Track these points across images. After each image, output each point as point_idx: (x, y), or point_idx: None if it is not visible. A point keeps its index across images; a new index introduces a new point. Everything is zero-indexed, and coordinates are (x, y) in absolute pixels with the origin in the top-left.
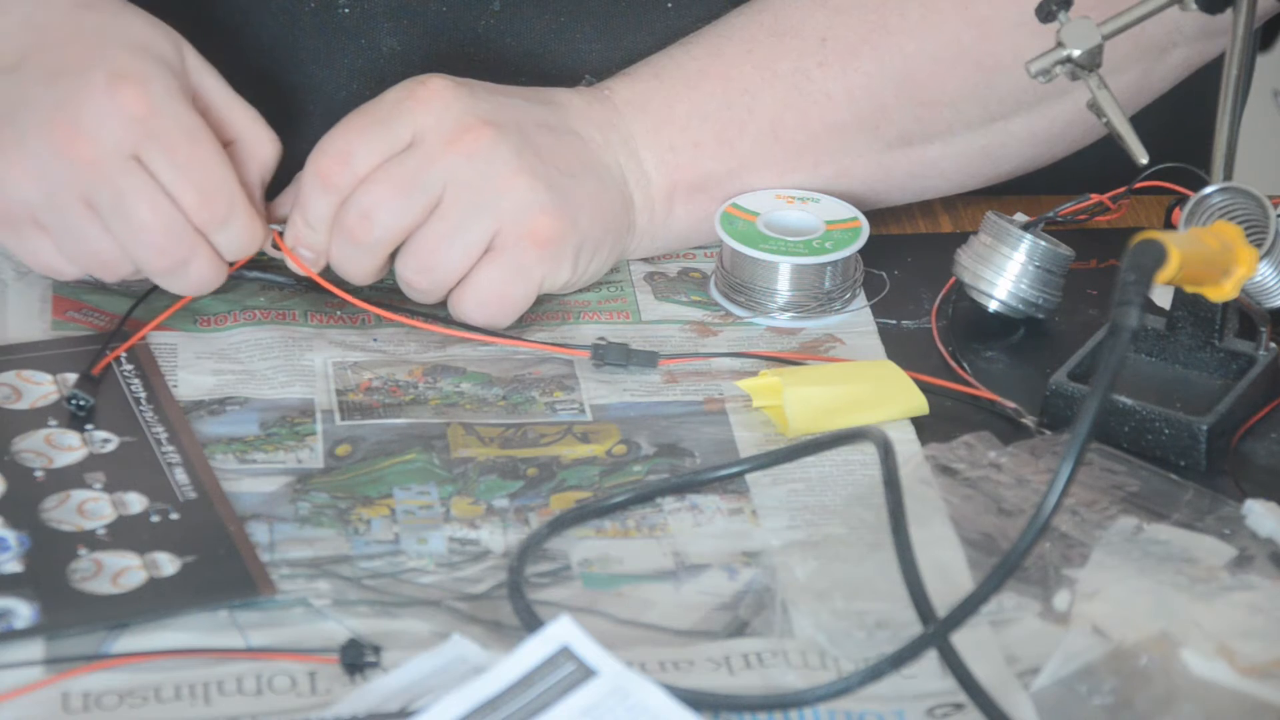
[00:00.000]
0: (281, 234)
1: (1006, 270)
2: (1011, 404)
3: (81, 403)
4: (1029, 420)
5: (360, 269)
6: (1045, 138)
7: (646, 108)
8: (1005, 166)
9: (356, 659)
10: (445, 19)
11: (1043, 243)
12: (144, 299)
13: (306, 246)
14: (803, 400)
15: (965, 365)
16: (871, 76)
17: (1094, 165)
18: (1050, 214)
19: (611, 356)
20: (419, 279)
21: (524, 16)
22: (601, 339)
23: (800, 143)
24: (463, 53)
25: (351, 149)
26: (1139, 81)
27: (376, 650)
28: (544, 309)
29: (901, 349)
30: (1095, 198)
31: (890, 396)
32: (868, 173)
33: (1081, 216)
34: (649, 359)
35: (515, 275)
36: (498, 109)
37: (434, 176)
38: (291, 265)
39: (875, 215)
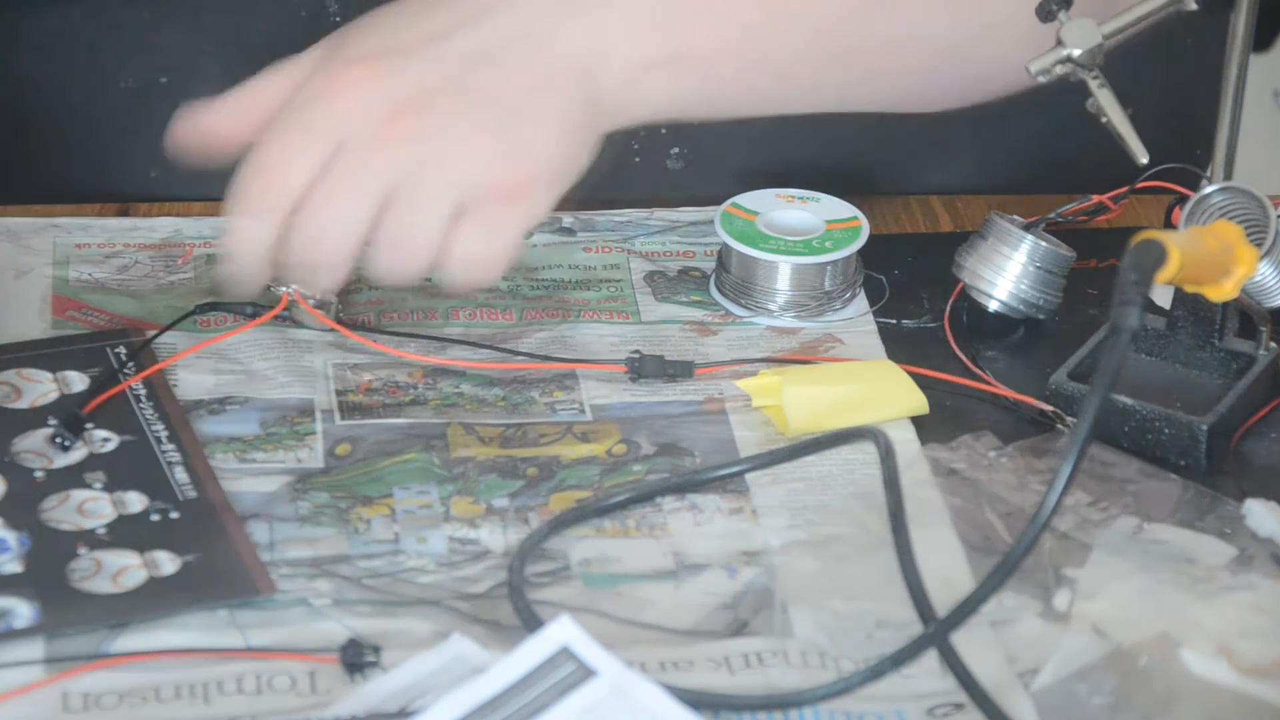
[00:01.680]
0: (297, 292)
1: (1007, 271)
2: (1050, 407)
3: (67, 443)
4: (1068, 424)
5: (326, 283)
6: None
7: None
8: (978, 66)
9: (356, 659)
10: None
11: (1043, 244)
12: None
13: (250, 276)
14: (802, 400)
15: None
16: None
17: (1094, 165)
18: (1052, 214)
19: (648, 369)
20: (394, 271)
21: None
22: (636, 352)
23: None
24: None
25: (276, 166)
26: None
27: (376, 650)
28: (543, 307)
29: (902, 348)
30: (1096, 198)
31: (890, 396)
32: (852, 35)
33: (1082, 218)
34: (685, 369)
35: (493, 234)
36: (423, 71)
37: (375, 174)
38: (315, 320)
39: (875, 215)
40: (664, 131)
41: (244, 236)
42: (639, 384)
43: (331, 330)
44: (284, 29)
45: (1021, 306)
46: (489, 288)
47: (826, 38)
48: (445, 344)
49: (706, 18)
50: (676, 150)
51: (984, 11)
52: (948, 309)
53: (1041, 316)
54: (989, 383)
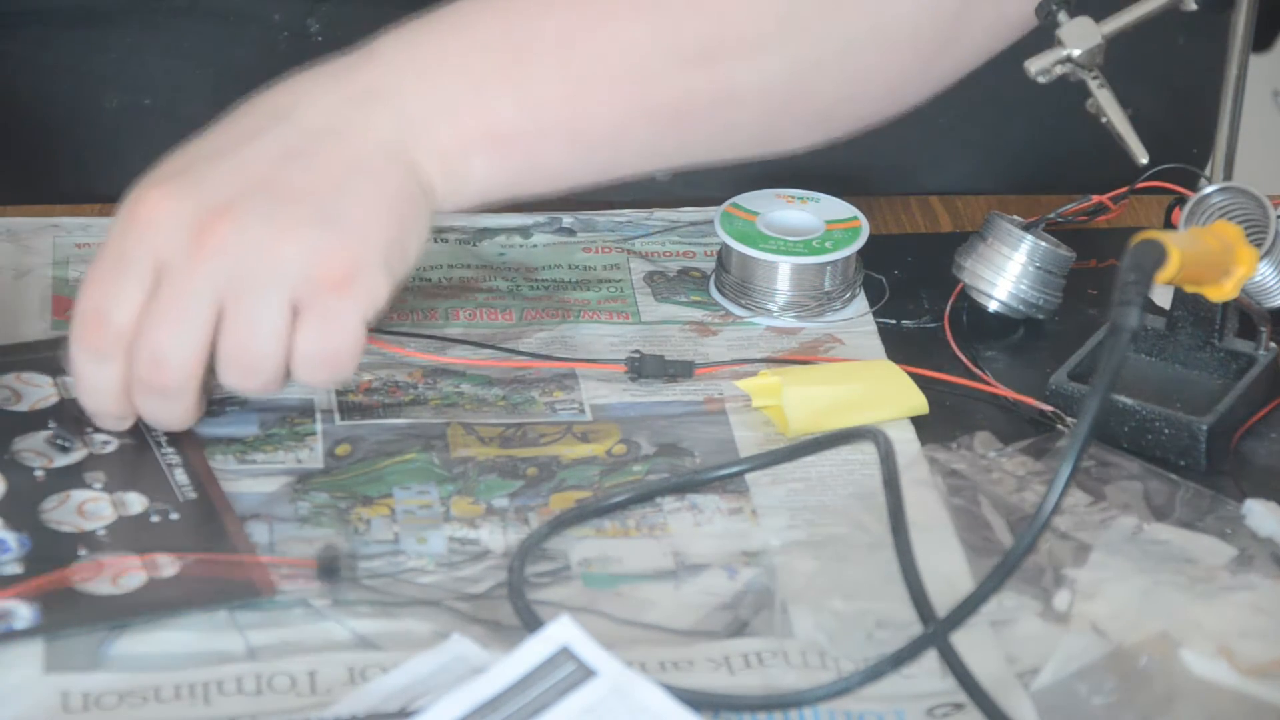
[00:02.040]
0: None
1: (1007, 271)
2: (1049, 407)
3: (66, 444)
4: (1068, 424)
5: (179, 414)
6: (861, 74)
7: (415, 55)
8: (818, 103)
9: (333, 567)
10: None
11: (1043, 244)
12: None
13: (109, 415)
14: (802, 400)
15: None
16: None
17: (1094, 165)
18: (1052, 215)
19: (648, 369)
20: (248, 384)
21: None
22: (636, 352)
23: (593, 62)
24: None
25: (101, 305)
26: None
27: (351, 558)
28: (543, 307)
29: (902, 349)
30: (1096, 199)
31: (890, 396)
32: (670, 97)
33: (1082, 218)
34: (685, 369)
35: (332, 327)
36: (225, 180)
37: (200, 292)
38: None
39: (875, 215)
40: None
41: (90, 381)
42: (639, 384)
43: None
44: (266, 51)
45: (1021, 307)
46: (345, 383)
47: (642, 103)
48: (446, 344)
49: (512, 96)
50: None
51: (816, 47)
52: (948, 309)
53: (1041, 317)
54: (989, 383)
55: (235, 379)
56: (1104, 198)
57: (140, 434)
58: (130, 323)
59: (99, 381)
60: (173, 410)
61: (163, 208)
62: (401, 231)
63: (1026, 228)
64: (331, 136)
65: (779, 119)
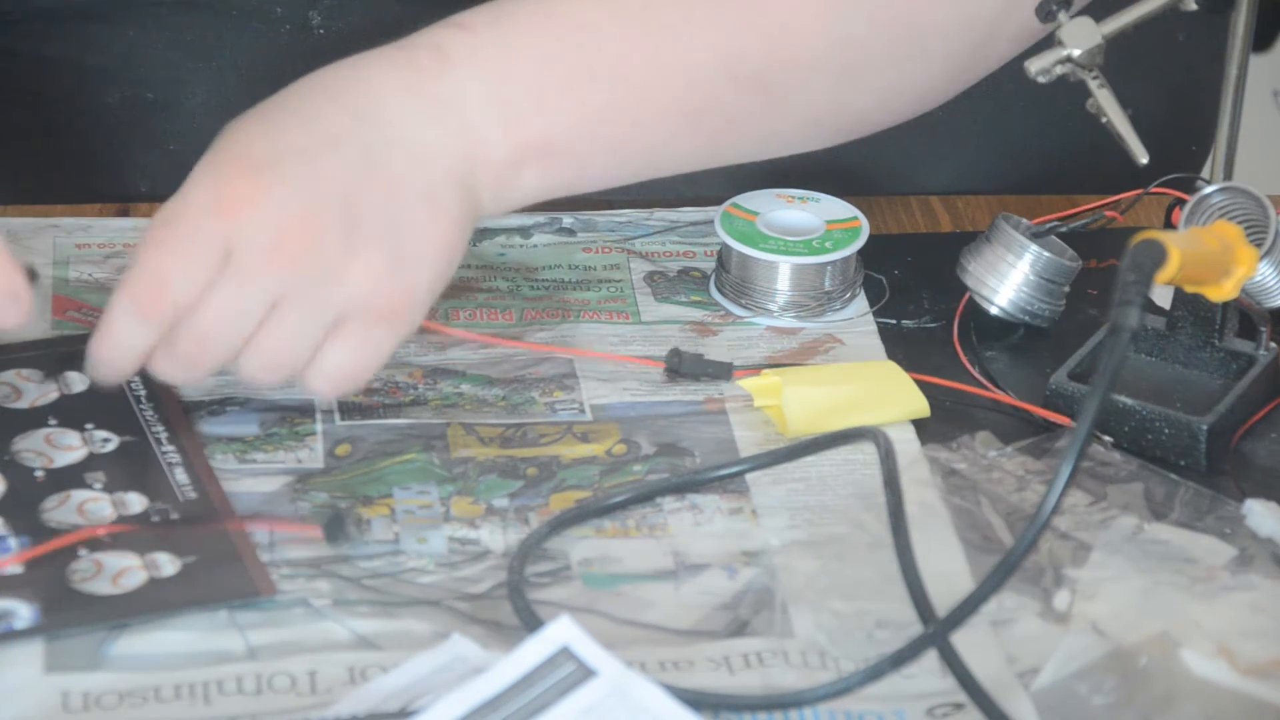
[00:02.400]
0: None
1: (1010, 278)
2: (1052, 414)
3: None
4: (1106, 440)
5: (191, 380)
6: (898, 85)
7: (483, 63)
8: (855, 113)
9: (339, 527)
10: None
11: (1048, 253)
12: None
13: (112, 369)
14: (802, 400)
15: (975, 367)
16: (723, 10)
17: (1094, 165)
18: (1060, 226)
19: (686, 367)
20: (263, 376)
21: None
22: (675, 350)
23: (650, 79)
24: None
25: (166, 275)
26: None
27: (358, 522)
28: (543, 307)
29: (902, 349)
30: (1108, 213)
31: (891, 398)
32: (720, 113)
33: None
34: (723, 370)
35: (366, 350)
36: (311, 187)
37: (264, 290)
38: None
39: (875, 215)
40: None
41: (121, 338)
42: (674, 383)
43: None
44: (268, 45)
45: (1023, 315)
46: (344, 396)
47: (693, 118)
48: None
49: (573, 111)
50: None
51: (860, 64)
52: (956, 320)
53: (1043, 325)
54: (991, 389)
55: (254, 370)
56: (1113, 213)
57: (141, 433)
58: (189, 299)
59: (132, 340)
60: (187, 377)
61: (251, 202)
62: (451, 264)
63: (1033, 235)
64: (408, 154)
65: (818, 129)
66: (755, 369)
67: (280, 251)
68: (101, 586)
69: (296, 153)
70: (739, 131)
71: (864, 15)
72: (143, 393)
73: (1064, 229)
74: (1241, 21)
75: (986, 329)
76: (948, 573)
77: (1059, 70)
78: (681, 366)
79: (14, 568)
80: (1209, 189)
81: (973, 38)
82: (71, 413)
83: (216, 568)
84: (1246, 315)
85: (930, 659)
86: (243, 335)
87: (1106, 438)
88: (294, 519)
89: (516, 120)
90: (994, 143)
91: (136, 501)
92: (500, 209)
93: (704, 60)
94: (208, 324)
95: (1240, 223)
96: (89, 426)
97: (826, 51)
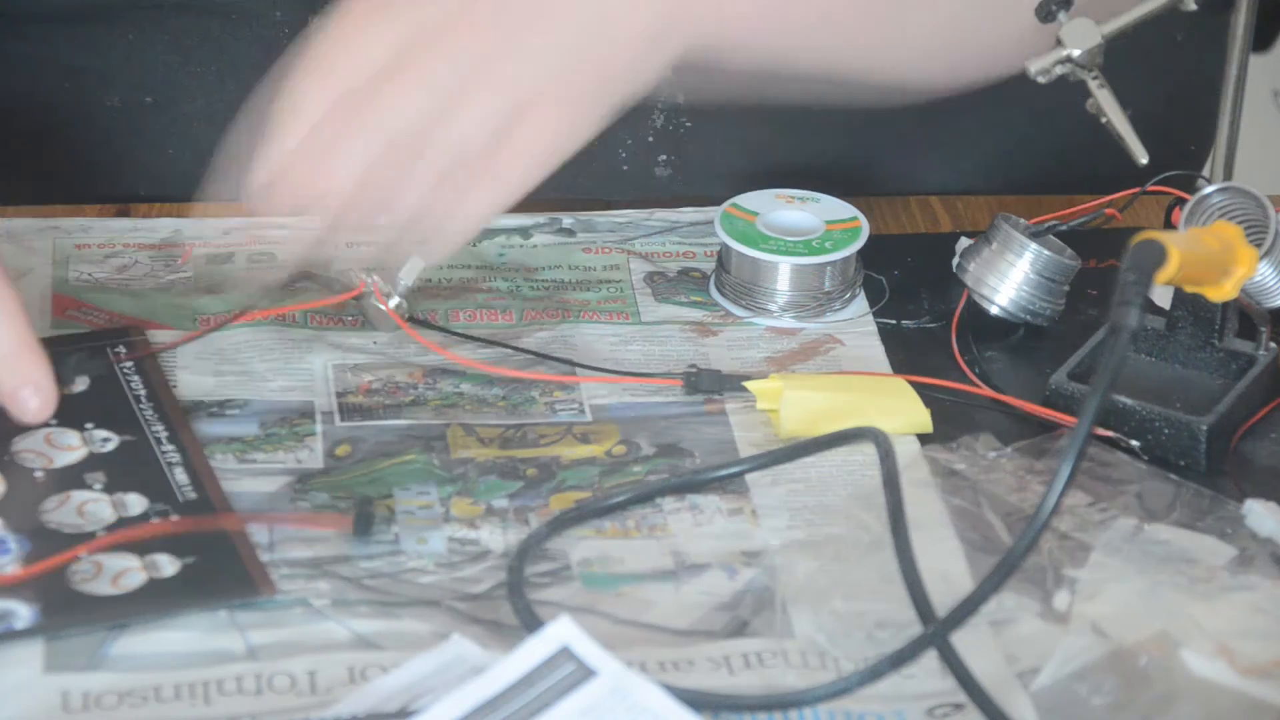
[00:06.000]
0: (377, 284)
1: (1010, 278)
2: (1053, 413)
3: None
4: (1134, 445)
5: (339, 179)
6: (1002, 28)
7: None
8: (973, 44)
9: (367, 519)
10: None
11: (1048, 252)
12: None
13: (284, 175)
14: (798, 403)
15: (974, 367)
16: None
17: (1094, 165)
18: (1060, 225)
19: (705, 384)
20: (448, 173)
21: None
22: (693, 366)
23: None
24: None
25: (357, 42)
26: None
27: (389, 512)
28: (543, 308)
29: (902, 349)
30: (1108, 211)
31: (892, 409)
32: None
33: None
34: (735, 383)
35: (549, 131)
36: None
37: (450, 62)
38: (384, 317)
39: (875, 215)
40: (651, 139)
41: (309, 103)
42: (694, 397)
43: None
44: (268, 48)
45: (1023, 314)
46: (449, 252)
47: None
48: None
49: None
50: (664, 158)
51: None
52: (955, 319)
53: (1043, 324)
54: (991, 389)
55: (442, 158)
56: (1113, 210)
57: (140, 432)
58: (374, 63)
59: (313, 106)
60: (338, 170)
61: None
62: (640, 66)
63: (1033, 235)
64: None
65: (944, 54)
66: (766, 376)
67: (457, 31)
68: (101, 587)
69: None
70: (866, 37)
71: None
72: (143, 392)
73: (1063, 228)
74: (1241, 21)
75: (986, 329)
76: (947, 573)
77: (1059, 70)
78: (700, 384)
79: (14, 568)
80: (1209, 189)
81: None
82: (71, 412)
83: (216, 568)
84: (1246, 315)
85: (930, 659)
86: (427, 111)
87: (1133, 441)
88: (323, 514)
89: None
90: (994, 143)
91: (136, 502)
92: (698, 32)
93: None
94: (396, 99)
95: (1240, 223)
96: (89, 426)
97: None
